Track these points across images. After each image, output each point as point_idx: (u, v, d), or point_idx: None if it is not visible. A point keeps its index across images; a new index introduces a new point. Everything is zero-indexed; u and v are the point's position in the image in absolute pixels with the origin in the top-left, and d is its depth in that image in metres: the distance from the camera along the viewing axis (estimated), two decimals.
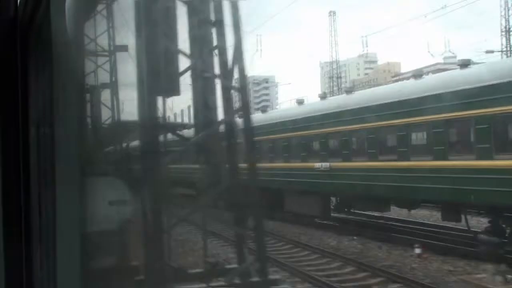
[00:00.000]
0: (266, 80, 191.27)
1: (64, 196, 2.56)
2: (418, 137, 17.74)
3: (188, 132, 10.52)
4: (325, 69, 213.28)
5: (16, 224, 2.82)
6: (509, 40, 68.94)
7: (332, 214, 23.88)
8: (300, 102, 25.56)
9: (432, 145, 16.57)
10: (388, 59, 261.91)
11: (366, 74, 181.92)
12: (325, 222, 23.02)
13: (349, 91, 24.17)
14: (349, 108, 20.69)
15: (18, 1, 2.93)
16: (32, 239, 2.89)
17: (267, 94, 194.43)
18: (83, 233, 2.82)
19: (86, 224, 3.00)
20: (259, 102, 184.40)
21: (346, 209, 23.69)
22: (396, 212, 23.23)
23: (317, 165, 21.98)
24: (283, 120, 25.48)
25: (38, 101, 3.00)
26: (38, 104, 3.00)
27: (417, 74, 19.50)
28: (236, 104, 9.67)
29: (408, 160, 17.31)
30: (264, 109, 31.68)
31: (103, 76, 13.96)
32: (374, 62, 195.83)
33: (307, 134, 22.93)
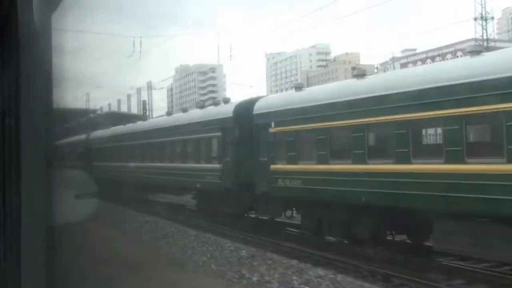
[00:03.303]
0: (213, 70, 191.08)
1: (30, 189, 2.62)
2: None
3: None
4: (272, 61, 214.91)
5: None
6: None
7: None
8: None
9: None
10: (344, 49, 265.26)
11: (319, 66, 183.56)
12: None
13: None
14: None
15: None
16: None
17: (214, 85, 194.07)
18: (48, 225, 2.85)
19: (52, 217, 3.03)
20: (205, 94, 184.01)
21: None
22: None
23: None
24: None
25: (3, 92, 3.02)
26: (3, 95, 3.02)
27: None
28: None
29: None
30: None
31: None
32: (328, 53, 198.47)
33: None
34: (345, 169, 15.21)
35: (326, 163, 15.91)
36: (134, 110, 75.97)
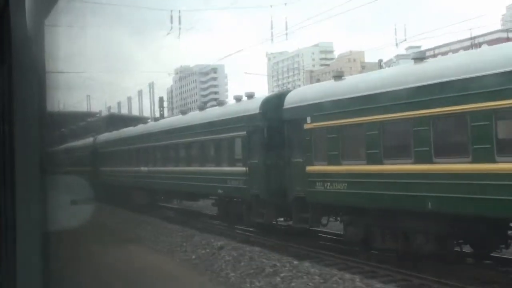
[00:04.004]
0: (214, 70, 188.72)
1: (24, 195, 2.70)
2: None
3: None
4: (273, 61, 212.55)
5: None
6: None
7: None
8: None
9: None
10: (347, 48, 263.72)
11: (322, 65, 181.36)
12: None
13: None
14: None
15: None
16: None
17: (215, 86, 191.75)
18: (43, 232, 2.85)
19: (47, 224, 3.04)
20: (207, 95, 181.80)
21: None
22: None
23: None
24: None
25: None
26: None
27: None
28: None
29: None
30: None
31: None
32: (330, 52, 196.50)
33: None
34: (404, 169, 12.97)
35: (379, 163, 13.66)
36: (136, 112, 73.89)
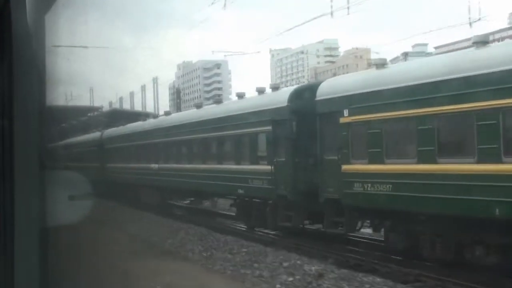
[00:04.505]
0: (218, 66, 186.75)
1: (23, 190, 2.72)
2: None
3: None
4: (277, 57, 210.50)
5: None
6: None
7: None
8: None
9: None
10: (351, 44, 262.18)
11: (327, 62, 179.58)
12: None
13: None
14: None
15: None
16: None
17: (219, 82, 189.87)
18: (41, 228, 2.87)
19: (46, 219, 3.06)
20: (210, 91, 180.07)
21: None
22: None
23: None
24: None
25: None
26: None
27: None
28: None
29: None
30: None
31: None
32: (335, 48, 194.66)
33: None
34: (464, 170, 11.36)
35: (433, 162, 12.04)
36: (139, 107, 72.33)
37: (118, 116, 41.57)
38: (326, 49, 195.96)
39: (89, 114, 53.51)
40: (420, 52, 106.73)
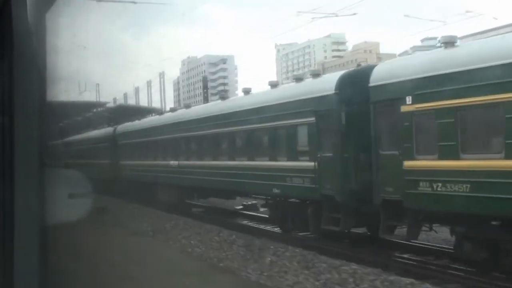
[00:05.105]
0: (223, 61, 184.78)
1: (23, 188, 2.71)
2: None
3: None
4: (282, 52, 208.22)
5: None
6: None
7: None
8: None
9: None
10: (360, 39, 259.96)
11: (335, 56, 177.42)
12: None
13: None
14: None
15: None
16: None
17: (225, 77, 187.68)
18: (41, 226, 2.86)
19: (46, 218, 3.05)
20: (216, 86, 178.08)
21: None
22: None
23: None
24: None
25: None
26: None
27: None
28: None
29: None
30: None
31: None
32: (343, 43, 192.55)
33: None
34: None
35: None
36: (144, 103, 70.70)
37: (124, 112, 40.25)
38: (334, 43, 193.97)
39: (94, 110, 52.14)
40: (429, 46, 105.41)
